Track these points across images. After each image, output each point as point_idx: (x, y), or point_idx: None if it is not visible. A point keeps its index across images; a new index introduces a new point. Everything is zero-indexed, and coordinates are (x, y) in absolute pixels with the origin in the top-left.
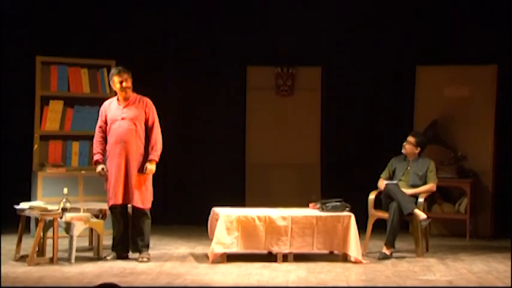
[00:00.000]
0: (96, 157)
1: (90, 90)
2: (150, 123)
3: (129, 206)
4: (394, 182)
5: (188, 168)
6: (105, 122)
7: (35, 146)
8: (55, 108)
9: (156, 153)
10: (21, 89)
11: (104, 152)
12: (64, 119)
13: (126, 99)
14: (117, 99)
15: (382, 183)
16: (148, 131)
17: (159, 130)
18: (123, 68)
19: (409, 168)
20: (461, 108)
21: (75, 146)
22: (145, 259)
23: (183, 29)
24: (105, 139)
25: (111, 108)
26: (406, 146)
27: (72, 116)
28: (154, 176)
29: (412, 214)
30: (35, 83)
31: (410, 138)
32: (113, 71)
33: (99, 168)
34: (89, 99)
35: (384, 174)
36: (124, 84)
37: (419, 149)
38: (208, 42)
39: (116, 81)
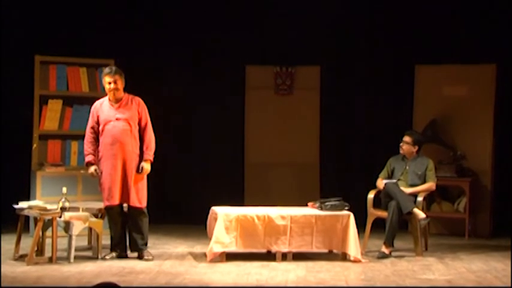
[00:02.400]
0: (89, 158)
1: (89, 90)
2: (143, 123)
3: (125, 205)
4: (394, 180)
5: (187, 167)
6: (97, 123)
7: (34, 146)
8: (54, 108)
9: (150, 153)
10: (20, 88)
11: (95, 153)
12: (63, 119)
13: (118, 99)
14: (109, 99)
15: (380, 183)
16: (141, 130)
17: (151, 129)
18: (117, 68)
19: (407, 167)
20: (460, 108)
21: (74, 145)
22: (150, 257)
23: (182, 28)
24: (96, 140)
25: (103, 109)
26: (404, 146)
27: (71, 116)
28: (152, 175)
29: (411, 213)
30: (33, 82)
31: (407, 138)
32: (105, 70)
33: (92, 169)
34: (88, 99)
35: (383, 173)
36: (112, 85)
37: (416, 147)
38: (207, 42)
39: (105, 81)
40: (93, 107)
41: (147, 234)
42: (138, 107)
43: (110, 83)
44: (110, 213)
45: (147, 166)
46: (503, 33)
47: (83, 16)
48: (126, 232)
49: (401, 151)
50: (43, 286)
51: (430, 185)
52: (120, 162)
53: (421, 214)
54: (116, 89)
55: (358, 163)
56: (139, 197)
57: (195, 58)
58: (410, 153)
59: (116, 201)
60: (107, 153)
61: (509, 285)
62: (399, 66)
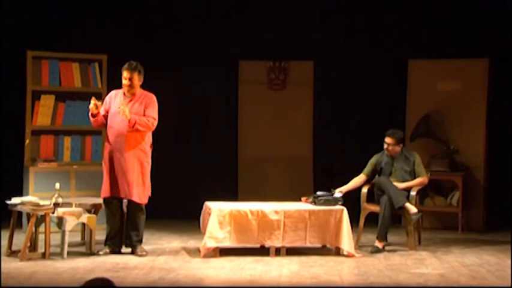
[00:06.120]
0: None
1: (81, 85)
2: (147, 110)
3: (124, 201)
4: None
5: (181, 162)
6: (107, 111)
7: (27, 141)
8: (46, 103)
9: (139, 121)
10: (12, 83)
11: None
12: (55, 114)
13: (132, 94)
14: (124, 93)
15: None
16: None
17: (155, 119)
18: (138, 65)
19: (395, 165)
20: (453, 102)
21: (67, 140)
22: (144, 253)
23: (175, 23)
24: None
25: (116, 100)
26: (389, 147)
27: (63, 111)
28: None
29: (403, 208)
30: (26, 77)
31: (389, 140)
32: (125, 65)
33: (92, 103)
34: (81, 94)
35: (366, 170)
36: (127, 81)
37: (400, 145)
38: (201, 37)
39: (122, 75)
40: (108, 96)
41: (142, 231)
42: (146, 101)
43: (125, 79)
44: (109, 207)
45: (126, 109)
46: (496, 28)
47: (75, 11)
48: (122, 227)
49: (386, 152)
50: (36, 283)
51: (422, 179)
52: (122, 157)
53: (412, 209)
54: (131, 85)
55: (351, 158)
56: (139, 193)
57: (188, 53)
58: (396, 152)
59: (114, 193)
60: (110, 147)
61: (506, 283)
62: (392, 61)
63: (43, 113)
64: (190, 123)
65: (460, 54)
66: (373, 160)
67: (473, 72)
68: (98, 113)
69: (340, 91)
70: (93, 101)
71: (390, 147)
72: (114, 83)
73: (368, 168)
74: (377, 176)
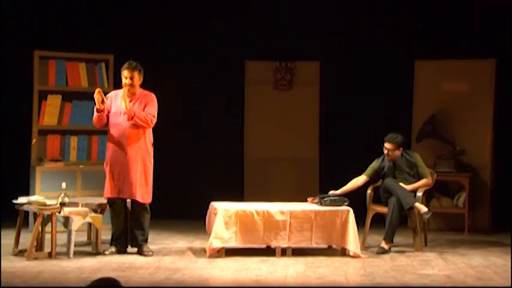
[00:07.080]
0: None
1: (88, 85)
2: (146, 108)
3: (128, 201)
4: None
5: (187, 162)
6: (108, 111)
7: (33, 141)
8: (53, 103)
9: (138, 113)
10: (19, 83)
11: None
12: (62, 114)
13: (132, 94)
14: (124, 93)
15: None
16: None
17: (153, 118)
18: (137, 64)
19: (397, 169)
20: (460, 103)
21: (74, 140)
22: (150, 253)
23: (181, 23)
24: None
25: (117, 100)
26: (389, 153)
27: (70, 111)
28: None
29: (412, 208)
30: (33, 77)
31: (389, 145)
32: (125, 64)
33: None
34: (87, 94)
35: (367, 172)
36: (128, 81)
37: (401, 148)
38: (207, 37)
39: (123, 75)
40: (109, 97)
41: (147, 231)
42: (146, 99)
43: (126, 78)
44: (113, 207)
45: (126, 100)
46: (503, 28)
47: (82, 11)
48: (127, 227)
49: (388, 158)
50: (43, 283)
51: (427, 180)
52: (125, 156)
53: (423, 208)
54: (132, 85)
55: (357, 158)
56: (142, 193)
57: (195, 53)
58: (396, 156)
59: (116, 194)
60: (113, 146)
61: (509, 284)
62: (399, 62)
63: (50, 112)
64: (197, 123)
65: (466, 54)
66: (374, 165)
67: (479, 73)
68: (104, 109)
69: (346, 91)
70: (97, 94)
71: (390, 153)
72: (121, 83)
73: (369, 171)
74: (381, 180)
